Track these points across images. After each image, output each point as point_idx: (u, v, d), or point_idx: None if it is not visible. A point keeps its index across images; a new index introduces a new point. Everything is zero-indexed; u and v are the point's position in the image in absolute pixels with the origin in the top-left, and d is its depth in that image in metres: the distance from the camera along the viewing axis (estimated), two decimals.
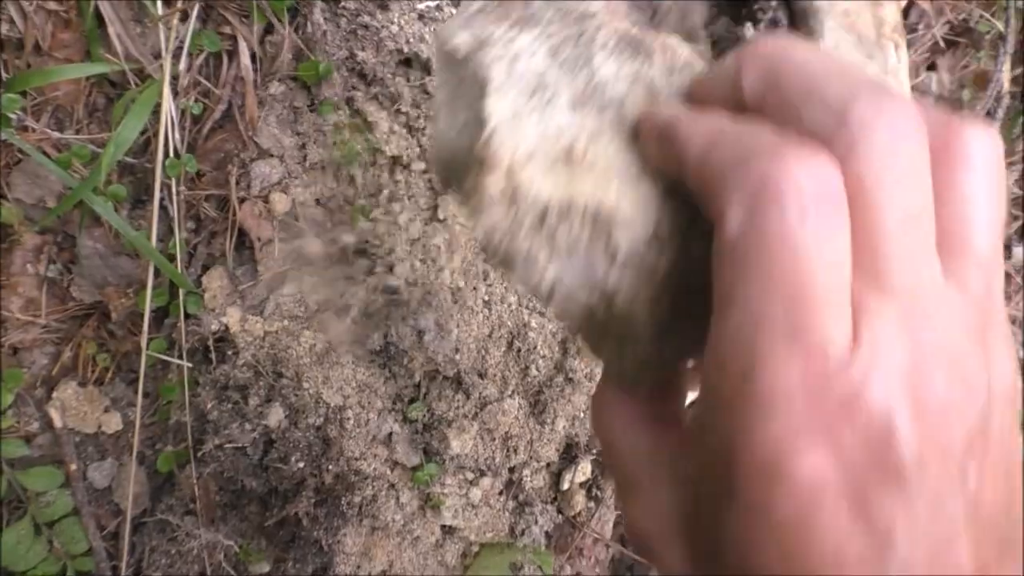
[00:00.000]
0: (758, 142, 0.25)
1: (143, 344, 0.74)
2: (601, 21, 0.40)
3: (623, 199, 0.32)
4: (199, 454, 0.77)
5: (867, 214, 0.24)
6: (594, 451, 0.84)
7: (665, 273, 0.32)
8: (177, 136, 0.68)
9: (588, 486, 0.85)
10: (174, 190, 0.69)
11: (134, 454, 0.79)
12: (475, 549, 0.83)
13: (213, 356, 0.76)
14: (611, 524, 0.87)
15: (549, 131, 0.35)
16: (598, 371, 0.82)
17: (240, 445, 0.75)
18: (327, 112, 0.73)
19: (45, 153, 0.68)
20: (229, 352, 0.75)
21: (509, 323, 0.79)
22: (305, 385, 0.75)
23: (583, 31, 0.40)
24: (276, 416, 0.74)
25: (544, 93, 0.37)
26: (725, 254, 0.24)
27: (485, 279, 0.79)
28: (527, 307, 0.80)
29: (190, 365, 0.76)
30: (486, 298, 0.79)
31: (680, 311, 0.31)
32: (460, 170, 0.36)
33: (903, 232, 0.24)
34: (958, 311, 0.25)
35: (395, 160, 0.75)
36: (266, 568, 0.79)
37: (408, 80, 0.73)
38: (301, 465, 0.73)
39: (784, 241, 0.22)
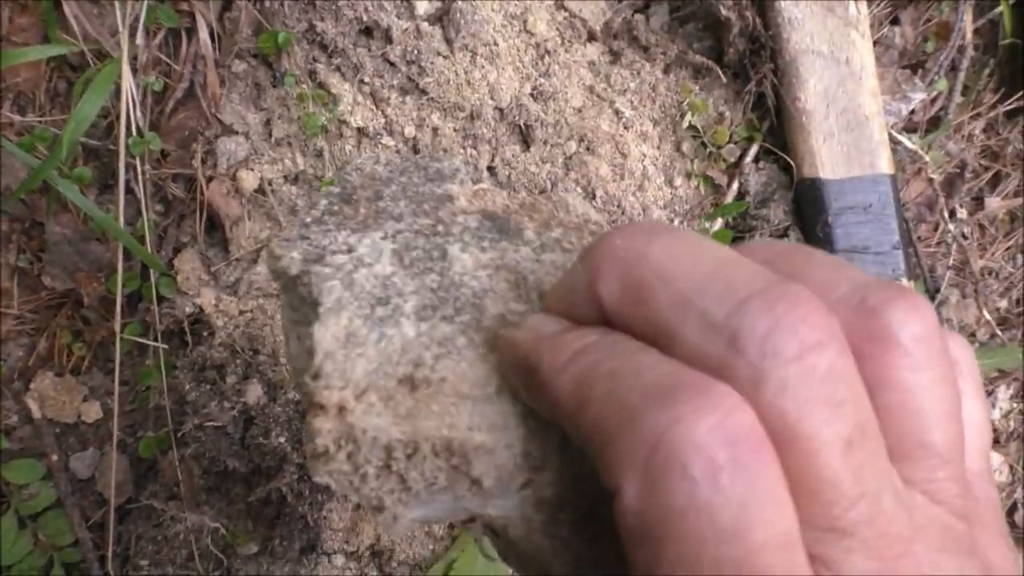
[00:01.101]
0: (641, 383, 0.20)
1: (117, 329, 0.74)
2: (462, 205, 0.37)
3: (478, 424, 0.27)
4: (180, 435, 0.76)
5: (799, 455, 0.19)
6: None
7: (554, 494, 0.27)
8: (139, 115, 0.68)
9: None
10: (139, 171, 0.69)
11: (114, 442, 0.78)
12: None
13: (189, 339, 0.76)
14: None
15: (391, 351, 0.30)
16: None
17: (220, 424, 0.74)
18: (290, 85, 0.73)
19: (8, 138, 0.68)
20: (205, 333, 0.75)
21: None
22: (282, 360, 0.75)
23: (439, 219, 0.36)
24: (255, 393, 0.74)
25: (388, 305, 0.32)
26: (632, 536, 0.19)
27: None
28: None
29: (166, 347, 0.76)
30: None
31: (591, 529, 0.26)
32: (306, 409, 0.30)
33: (848, 461, 0.19)
34: (937, 527, 0.21)
35: (361, 131, 0.75)
36: (254, 549, 0.79)
37: (369, 50, 0.73)
38: (282, 440, 0.73)
39: (699, 518, 0.18)
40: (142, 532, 0.79)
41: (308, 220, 0.35)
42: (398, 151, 0.77)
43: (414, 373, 0.28)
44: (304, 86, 0.71)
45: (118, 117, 0.68)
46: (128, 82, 0.65)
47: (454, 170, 0.39)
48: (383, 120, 0.75)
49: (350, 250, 0.34)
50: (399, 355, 0.29)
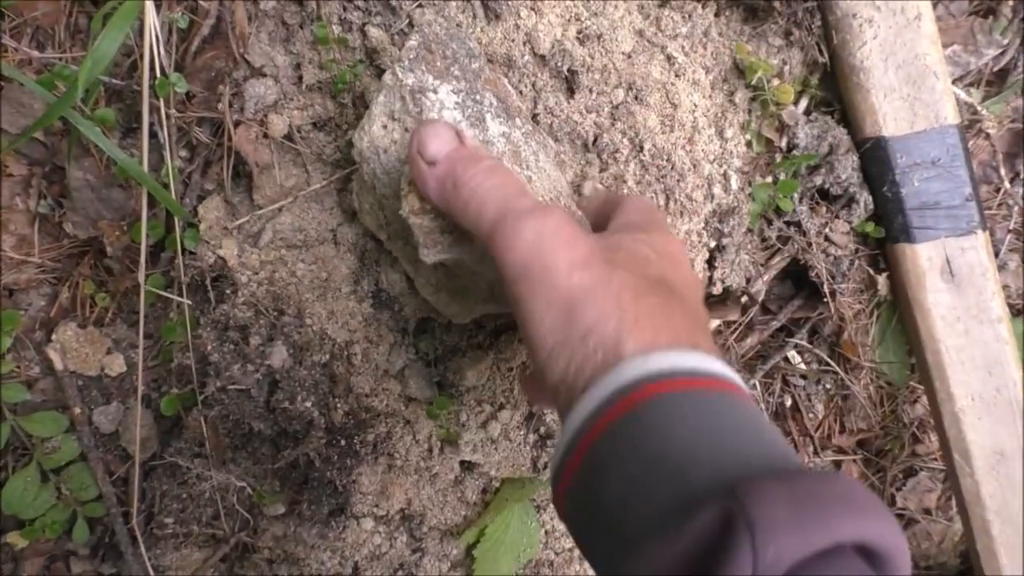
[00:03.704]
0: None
1: (141, 281, 0.71)
2: (482, 82, 0.56)
3: None
4: (203, 397, 0.74)
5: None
6: None
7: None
8: (163, 54, 0.64)
9: None
10: (163, 113, 0.65)
11: (139, 398, 0.76)
12: (496, 485, 0.80)
13: (211, 295, 0.73)
14: None
15: None
16: None
17: (244, 387, 0.71)
18: (321, 33, 0.68)
19: (26, 77, 0.65)
20: (228, 291, 0.72)
21: None
22: (308, 321, 0.71)
23: (477, 90, 0.54)
24: (279, 356, 0.70)
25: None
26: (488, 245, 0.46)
27: None
28: None
29: (190, 303, 0.73)
30: None
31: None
32: (372, 178, 0.59)
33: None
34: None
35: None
36: (281, 510, 0.77)
37: None
38: (309, 405, 0.70)
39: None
40: (167, 489, 0.77)
41: (412, 56, 0.53)
42: None
43: None
44: (336, 30, 0.67)
45: (141, 56, 0.65)
46: (151, 18, 0.61)
47: (478, 51, 0.58)
48: None
49: (435, 91, 0.52)
50: None
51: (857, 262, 0.87)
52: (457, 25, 0.65)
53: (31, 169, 0.68)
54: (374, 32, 0.70)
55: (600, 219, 0.58)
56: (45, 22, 0.65)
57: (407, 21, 0.71)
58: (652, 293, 0.43)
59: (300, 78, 0.71)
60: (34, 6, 0.64)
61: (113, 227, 0.69)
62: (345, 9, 0.70)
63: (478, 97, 0.54)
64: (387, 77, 0.54)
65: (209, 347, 0.69)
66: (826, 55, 0.84)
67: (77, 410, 0.76)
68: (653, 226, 0.52)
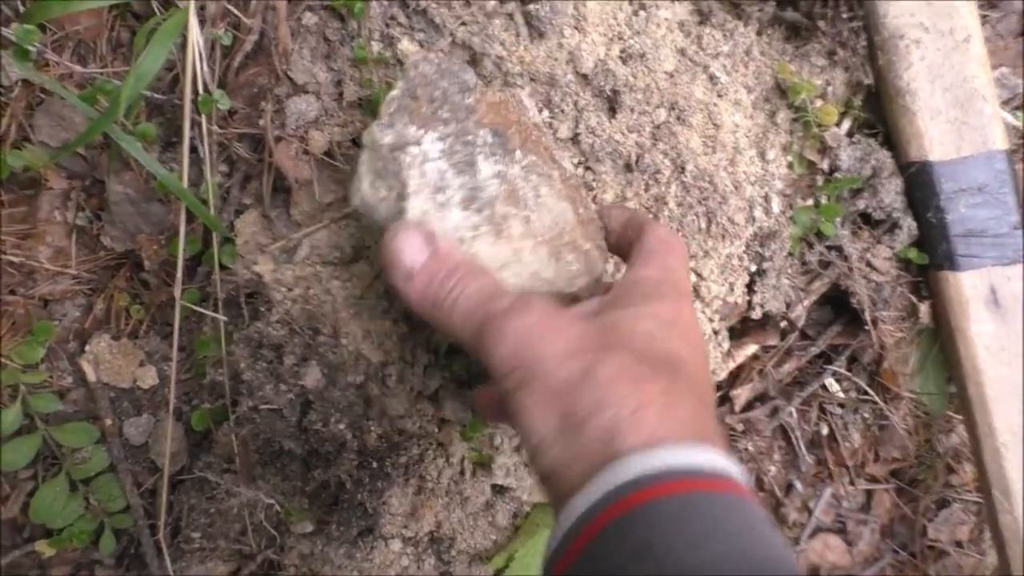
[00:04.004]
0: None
1: (177, 295, 0.70)
2: (478, 117, 0.53)
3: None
4: (235, 415, 0.73)
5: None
6: None
7: None
8: (206, 70, 0.63)
9: None
10: (204, 129, 0.65)
11: (171, 411, 0.75)
12: (527, 510, 0.79)
13: (246, 312, 0.72)
14: None
15: (447, 227, 0.50)
16: None
17: (276, 407, 0.71)
18: (360, 54, 0.68)
19: (69, 90, 0.64)
20: (262, 308, 0.71)
21: None
22: (343, 341, 0.70)
23: (468, 130, 0.52)
24: (313, 376, 0.69)
25: (444, 193, 0.50)
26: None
27: None
28: None
29: (225, 319, 0.72)
30: None
31: None
32: (375, 227, 0.55)
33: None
34: None
35: None
36: (309, 528, 0.76)
37: (451, 7, 0.68)
38: (342, 427, 0.68)
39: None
40: (195, 504, 0.76)
41: (391, 110, 0.51)
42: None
43: (463, 239, 0.51)
44: (377, 47, 0.66)
45: (184, 71, 0.64)
46: (195, 34, 0.60)
47: (474, 83, 0.54)
48: None
49: (419, 143, 0.50)
50: (451, 231, 0.50)
51: (899, 289, 0.86)
52: (448, 56, 0.61)
53: (71, 183, 0.67)
54: (404, 45, 0.69)
55: (622, 242, 0.57)
56: (87, 36, 0.64)
57: (450, 39, 0.70)
58: (654, 377, 0.41)
59: (341, 95, 0.70)
60: (76, 20, 0.64)
61: (151, 241, 0.69)
62: (388, 26, 0.70)
63: (469, 138, 0.53)
64: (365, 135, 0.53)
65: (242, 365, 0.68)
66: (871, 76, 0.82)
67: (108, 421, 0.75)
68: (664, 287, 0.49)
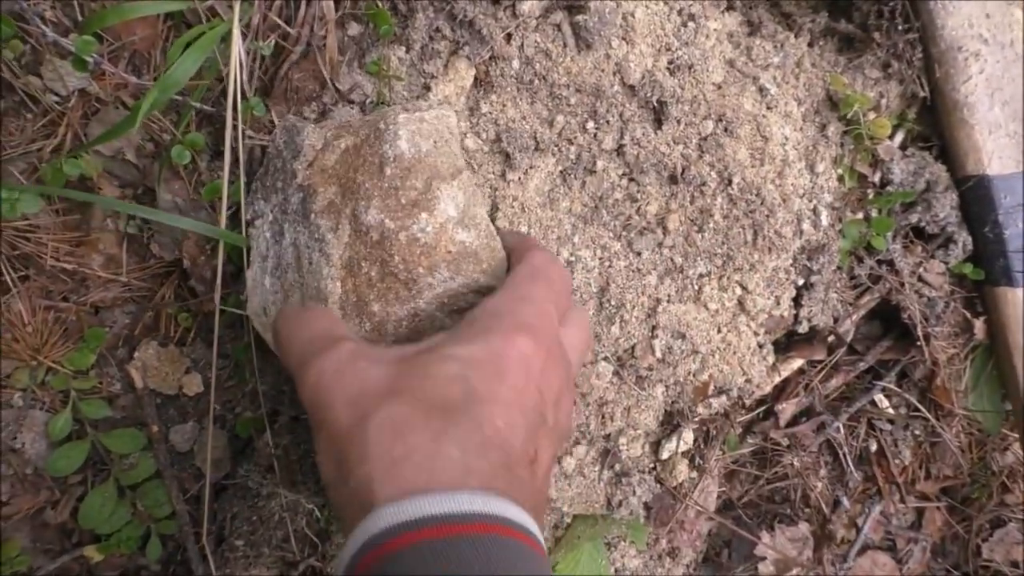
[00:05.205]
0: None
1: (216, 301, 0.71)
2: (299, 180, 0.53)
3: None
4: (275, 426, 0.74)
5: None
6: (696, 420, 0.78)
7: None
8: (245, 78, 0.64)
9: (691, 456, 0.79)
10: (241, 134, 0.65)
11: (211, 418, 0.76)
12: (568, 521, 0.78)
13: None
14: (714, 496, 0.81)
15: (263, 292, 0.55)
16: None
17: None
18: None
19: (123, 101, 0.65)
20: None
21: (595, 282, 0.74)
22: None
23: (287, 198, 0.53)
24: None
25: (266, 261, 0.54)
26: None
27: (571, 238, 0.73)
28: (612, 262, 0.74)
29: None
30: (571, 258, 0.73)
31: None
32: None
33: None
34: None
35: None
36: None
37: (496, 19, 0.68)
38: None
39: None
40: (237, 511, 0.77)
41: (255, 186, 0.55)
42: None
43: (267, 307, 0.55)
44: (402, 66, 0.66)
45: (227, 81, 0.65)
46: (237, 46, 0.61)
47: (303, 144, 0.54)
48: (491, 106, 0.69)
49: (260, 216, 0.54)
50: (266, 294, 0.55)
51: (953, 304, 0.83)
52: (299, 120, 0.58)
53: (122, 191, 0.68)
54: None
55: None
56: (142, 47, 0.65)
57: (489, 53, 0.69)
58: (425, 425, 0.41)
59: (383, 104, 0.70)
60: (132, 30, 0.65)
61: (199, 249, 0.70)
62: (431, 39, 0.70)
63: (286, 204, 0.53)
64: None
65: (280, 375, 0.69)
66: (926, 88, 0.80)
67: (155, 428, 0.76)
68: (500, 320, 0.47)
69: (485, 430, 0.41)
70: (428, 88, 0.70)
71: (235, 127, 0.63)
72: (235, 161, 0.67)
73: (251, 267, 0.55)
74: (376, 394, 0.42)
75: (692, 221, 0.74)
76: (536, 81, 0.71)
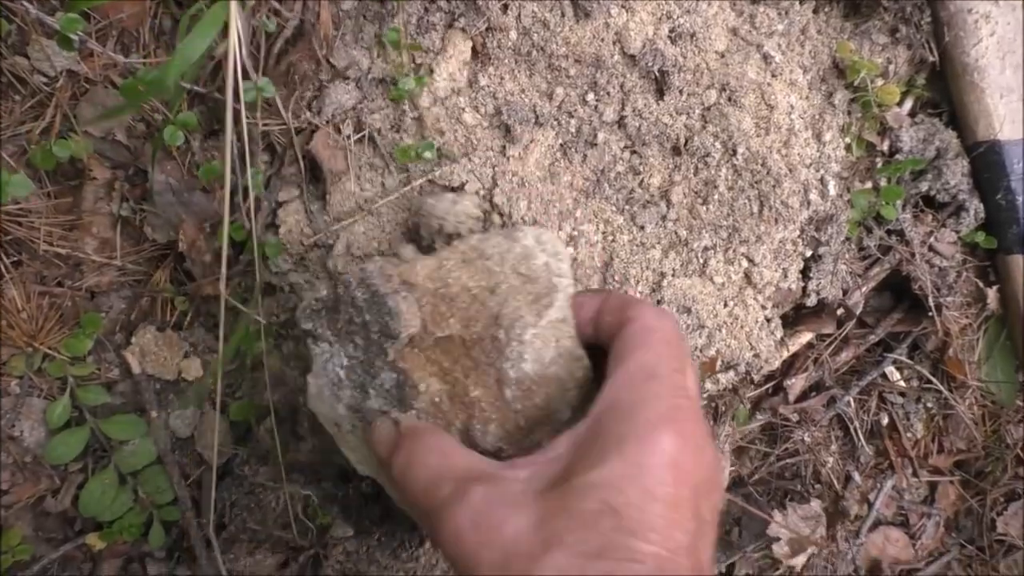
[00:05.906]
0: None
1: (222, 288, 0.70)
2: (391, 359, 0.51)
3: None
4: (278, 415, 0.73)
5: None
6: (704, 396, 0.76)
7: None
8: (246, 58, 0.62)
9: None
10: (244, 117, 0.64)
11: (218, 404, 0.75)
12: None
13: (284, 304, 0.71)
14: (725, 473, 0.80)
15: (335, 413, 0.55)
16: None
17: None
18: (393, 37, 0.66)
19: (111, 80, 0.64)
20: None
21: (599, 257, 0.72)
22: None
23: (373, 363, 0.52)
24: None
25: (339, 388, 0.54)
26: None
27: (572, 213, 0.71)
28: (615, 237, 0.73)
29: (265, 322, 0.71)
30: (573, 233, 0.71)
31: None
32: None
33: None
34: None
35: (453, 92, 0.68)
36: (349, 532, 0.75)
37: None
38: None
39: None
40: (237, 499, 0.76)
41: (314, 307, 0.54)
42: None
43: (341, 424, 0.56)
44: (405, 38, 0.64)
45: (226, 59, 0.63)
46: (236, 22, 0.59)
47: (399, 331, 0.50)
48: (488, 79, 0.68)
49: (330, 345, 0.54)
50: (338, 416, 0.55)
51: (964, 274, 0.82)
52: (393, 291, 0.53)
53: (114, 172, 0.67)
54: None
55: (602, 335, 0.50)
56: (130, 24, 0.64)
57: (485, 25, 0.68)
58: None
59: (380, 81, 0.69)
60: (120, 7, 0.63)
61: (194, 231, 0.69)
62: (427, 10, 0.68)
63: (372, 371, 0.52)
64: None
65: (283, 368, 0.68)
66: (935, 53, 0.78)
67: (154, 413, 0.75)
68: (634, 415, 0.42)
69: (647, 565, 0.38)
70: (432, 70, 0.68)
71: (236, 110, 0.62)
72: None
73: (316, 376, 0.55)
74: (529, 555, 0.39)
75: (696, 193, 0.73)
76: (534, 52, 0.69)
